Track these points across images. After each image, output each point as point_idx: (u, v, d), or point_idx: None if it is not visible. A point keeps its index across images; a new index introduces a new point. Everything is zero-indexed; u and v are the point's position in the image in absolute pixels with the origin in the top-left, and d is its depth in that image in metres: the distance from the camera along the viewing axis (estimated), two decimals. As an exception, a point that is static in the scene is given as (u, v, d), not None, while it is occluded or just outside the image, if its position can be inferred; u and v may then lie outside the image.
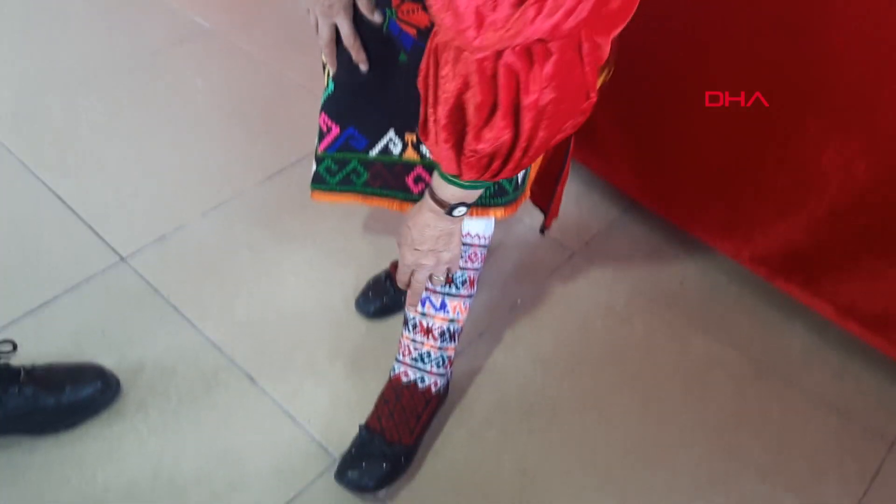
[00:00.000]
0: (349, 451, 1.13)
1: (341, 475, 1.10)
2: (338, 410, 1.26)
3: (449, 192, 0.85)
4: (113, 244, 1.52)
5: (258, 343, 1.35)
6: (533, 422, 1.26)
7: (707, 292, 1.49)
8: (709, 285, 1.50)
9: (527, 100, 0.72)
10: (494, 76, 0.71)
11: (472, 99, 0.73)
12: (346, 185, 1.07)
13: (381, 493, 1.14)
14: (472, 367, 1.33)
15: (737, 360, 1.37)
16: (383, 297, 1.38)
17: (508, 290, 1.47)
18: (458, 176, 0.81)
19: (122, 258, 1.49)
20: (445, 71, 0.74)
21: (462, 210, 0.88)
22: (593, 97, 0.76)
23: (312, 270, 1.48)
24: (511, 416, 1.27)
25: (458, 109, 0.75)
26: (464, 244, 1.07)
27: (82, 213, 1.58)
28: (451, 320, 1.14)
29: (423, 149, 0.98)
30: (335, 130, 1.02)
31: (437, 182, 0.86)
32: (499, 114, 0.73)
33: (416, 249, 0.94)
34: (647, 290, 1.48)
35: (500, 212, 1.01)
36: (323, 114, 1.03)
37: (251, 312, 1.40)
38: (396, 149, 1.01)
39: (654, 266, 1.53)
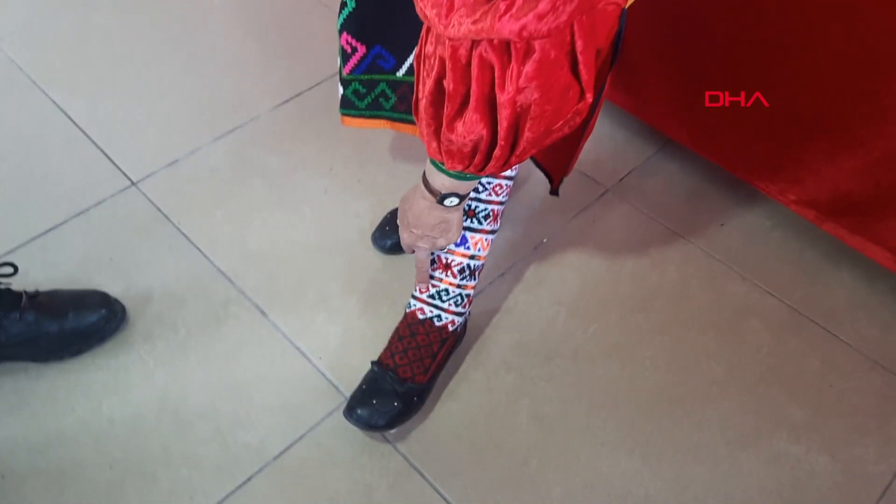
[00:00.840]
0: (360, 388, 1.08)
1: (350, 412, 1.06)
2: (350, 348, 1.21)
3: (439, 180, 0.80)
4: (123, 168, 1.46)
5: (270, 275, 1.30)
6: (553, 368, 1.19)
7: (748, 236, 1.39)
8: (750, 229, 1.40)
9: (502, 96, 0.65)
10: (468, 65, 0.65)
11: (447, 86, 0.67)
12: (376, 109, 1.00)
13: (391, 432, 1.10)
14: (492, 307, 1.26)
15: (776, 309, 1.28)
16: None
17: (534, 228, 1.38)
18: (443, 164, 0.75)
19: (132, 183, 1.43)
20: (429, 50, 0.68)
21: (454, 201, 0.83)
22: (589, 97, 0.68)
23: (328, 201, 1.41)
24: (530, 360, 1.20)
25: (439, 93, 0.69)
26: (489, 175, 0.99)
27: (93, 135, 1.52)
28: (472, 256, 1.07)
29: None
30: (361, 50, 0.95)
31: (428, 167, 0.81)
32: (470, 106, 0.67)
33: (411, 231, 0.91)
34: (683, 233, 1.39)
35: None
36: (344, 34, 0.95)
37: (263, 243, 1.34)
38: None
39: (691, 207, 1.43)
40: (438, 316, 1.09)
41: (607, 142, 1.54)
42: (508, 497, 1.06)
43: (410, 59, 0.93)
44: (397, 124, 0.99)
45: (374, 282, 1.29)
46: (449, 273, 1.07)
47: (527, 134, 0.68)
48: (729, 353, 1.22)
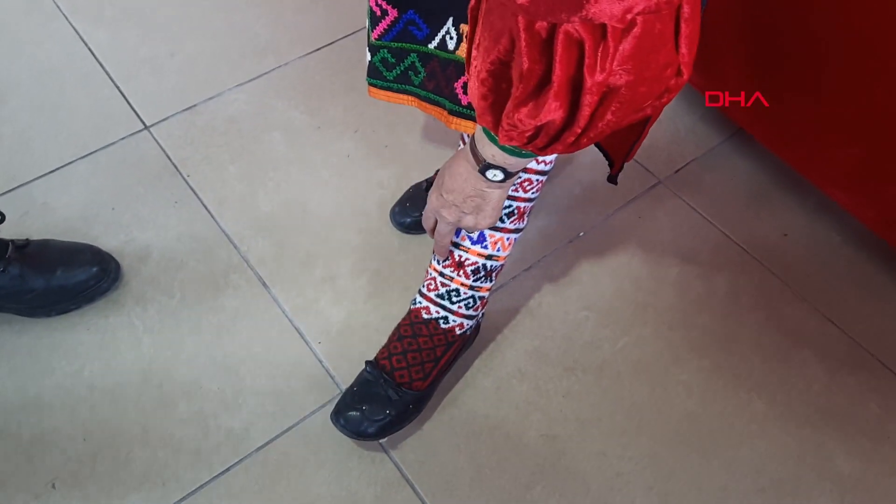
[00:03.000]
0: (350, 389, 0.98)
1: (338, 416, 0.96)
2: (352, 335, 1.10)
3: (488, 150, 0.67)
4: (138, 109, 1.36)
5: (277, 244, 1.19)
6: (573, 382, 1.07)
7: (814, 251, 1.22)
8: (817, 243, 1.23)
9: (591, 80, 0.51)
10: (549, 42, 0.51)
11: (517, 64, 0.53)
12: (404, 82, 0.88)
13: (382, 439, 1.00)
14: (513, 306, 1.14)
15: (835, 340, 1.13)
16: (422, 209, 1.18)
17: (570, 219, 1.24)
18: (496, 136, 0.61)
19: (145, 126, 1.34)
20: (492, 18, 0.54)
21: (498, 175, 0.69)
22: (686, 75, 0.54)
23: (349, 166, 1.29)
24: (548, 370, 1.08)
25: (503, 66, 0.55)
26: None
27: (111, 70, 1.42)
28: (489, 256, 0.94)
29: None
30: (392, 14, 0.82)
31: (479, 132, 0.67)
32: (552, 91, 0.53)
33: (441, 195, 0.78)
34: (741, 239, 1.23)
35: None
36: None
37: (275, 206, 1.24)
38: (452, 43, 0.80)
39: (753, 210, 1.27)
40: (445, 318, 0.97)
41: (667, 125, 1.38)
42: (505, 524, 0.96)
43: (444, 31, 0.80)
44: (424, 104, 0.86)
45: (388, 262, 1.18)
46: (461, 272, 0.95)
47: (608, 117, 0.55)
48: (775, 386, 1.08)
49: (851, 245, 1.23)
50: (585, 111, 0.54)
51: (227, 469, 0.98)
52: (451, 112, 0.83)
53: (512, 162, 0.67)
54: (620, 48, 0.49)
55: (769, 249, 1.22)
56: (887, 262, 1.20)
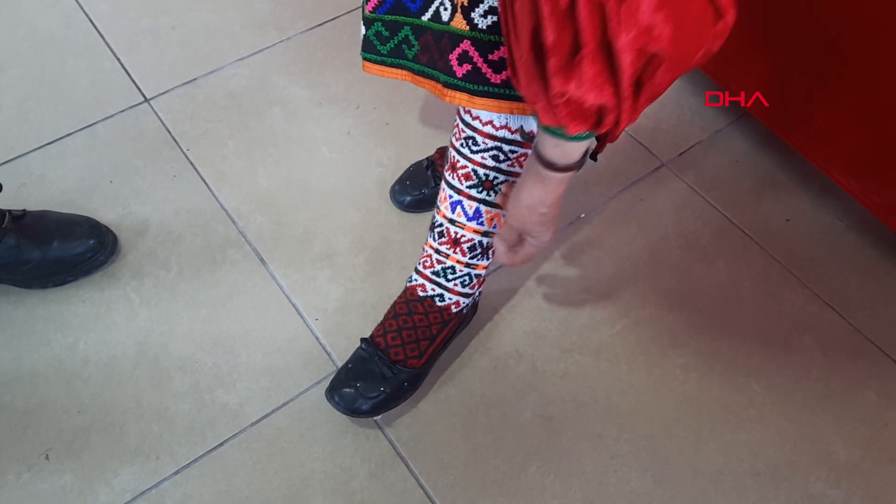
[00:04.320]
0: (345, 366, 0.97)
1: (332, 392, 0.95)
2: (350, 313, 1.10)
3: (577, 149, 0.67)
4: (138, 81, 1.35)
5: (276, 219, 1.19)
6: (570, 363, 1.07)
7: (817, 237, 1.21)
8: (819, 229, 1.22)
9: (622, 40, 0.50)
10: (571, 8, 0.50)
11: (546, 38, 0.53)
12: (398, 56, 0.86)
13: (377, 416, 1.00)
14: (511, 286, 1.13)
15: (835, 326, 1.12)
16: (423, 188, 1.17)
17: (572, 200, 1.23)
18: (564, 129, 0.60)
19: (145, 99, 1.32)
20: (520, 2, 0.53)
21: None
22: (730, 17, 0.52)
23: (350, 143, 1.28)
24: (546, 352, 1.07)
25: (538, 47, 0.55)
26: (513, 143, 0.84)
27: (111, 41, 1.40)
28: (485, 233, 0.93)
29: (474, 16, 0.74)
30: None
31: (550, 145, 0.67)
32: (585, 58, 0.52)
33: (534, 220, 0.78)
34: (743, 223, 1.22)
35: None
36: None
37: (274, 182, 1.23)
38: (446, 14, 0.78)
39: (756, 195, 1.25)
40: (441, 295, 0.97)
41: (672, 108, 1.36)
42: None
43: (437, 2, 0.78)
44: (418, 78, 0.84)
45: (387, 241, 1.17)
46: (458, 250, 0.94)
47: (657, 79, 0.54)
48: (773, 371, 1.07)
49: (855, 231, 1.22)
50: (627, 73, 0.52)
51: (221, 444, 0.98)
52: (446, 84, 0.81)
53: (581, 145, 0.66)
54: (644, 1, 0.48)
55: (772, 234, 1.21)
56: (891, 249, 1.19)
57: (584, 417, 1.02)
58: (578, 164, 0.70)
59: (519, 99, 0.76)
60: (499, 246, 0.84)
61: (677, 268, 1.17)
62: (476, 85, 0.77)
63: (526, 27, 0.54)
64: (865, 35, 0.99)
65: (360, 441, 0.99)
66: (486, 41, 0.73)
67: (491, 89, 0.76)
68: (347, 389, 0.94)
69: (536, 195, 0.74)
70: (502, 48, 0.73)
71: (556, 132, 0.63)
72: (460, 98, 0.79)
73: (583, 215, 1.21)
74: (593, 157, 0.96)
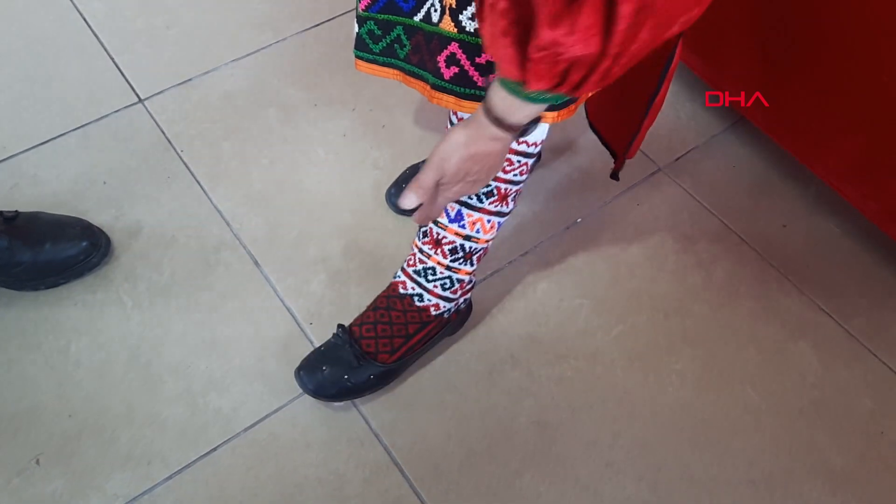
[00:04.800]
0: (318, 349, 0.99)
1: (299, 371, 0.97)
2: (344, 317, 1.08)
3: (523, 111, 0.63)
4: (133, 81, 1.34)
5: (271, 222, 1.18)
6: (565, 369, 1.06)
7: (812, 243, 1.21)
8: (816, 235, 1.22)
9: None
10: None
11: None
12: (390, 55, 0.85)
13: (372, 422, 0.99)
14: (507, 291, 1.13)
15: (832, 333, 1.12)
16: (418, 191, 1.17)
17: (568, 204, 1.23)
18: (523, 84, 0.57)
19: (139, 99, 1.31)
20: None
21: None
22: None
23: (345, 146, 1.27)
24: (541, 357, 1.07)
25: None
26: None
27: (106, 41, 1.39)
28: (467, 237, 0.93)
29: (462, 18, 0.73)
30: None
31: (495, 93, 0.63)
32: (586, 7, 0.49)
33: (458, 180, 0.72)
34: (739, 229, 1.22)
35: (552, 115, 0.76)
36: None
37: (268, 184, 1.22)
38: (436, 15, 0.77)
39: (752, 201, 1.25)
40: (420, 296, 0.97)
41: (669, 113, 1.36)
42: (493, 510, 0.95)
43: (429, 3, 0.77)
44: (409, 78, 0.84)
45: (383, 245, 1.17)
46: (438, 251, 0.93)
47: (643, 36, 0.52)
48: (769, 377, 1.07)
49: (851, 238, 1.22)
50: (622, 24, 0.50)
51: (214, 449, 0.97)
52: (434, 86, 0.81)
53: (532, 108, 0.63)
54: None
55: (768, 240, 1.21)
56: (887, 256, 1.19)
57: (579, 424, 1.02)
58: (518, 129, 0.66)
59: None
60: (412, 191, 0.72)
61: (673, 273, 1.16)
62: (463, 88, 0.76)
63: None
64: (863, 41, 0.99)
65: (354, 447, 0.98)
66: (474, 44, 0.72)
67: (478, 92, 0.76)
68: (314, 372, 0.96)
69: (467, 134, 0.68)
70: None
71: (512, 87, 0.61)
72: (447, 100, 0.78)
73: (579, 220, 1.21)
74: (614, 176, 0.96)
